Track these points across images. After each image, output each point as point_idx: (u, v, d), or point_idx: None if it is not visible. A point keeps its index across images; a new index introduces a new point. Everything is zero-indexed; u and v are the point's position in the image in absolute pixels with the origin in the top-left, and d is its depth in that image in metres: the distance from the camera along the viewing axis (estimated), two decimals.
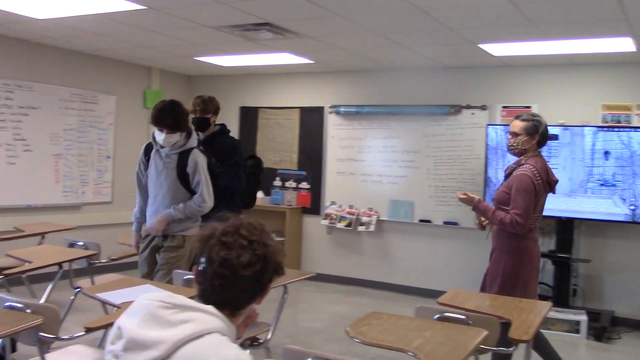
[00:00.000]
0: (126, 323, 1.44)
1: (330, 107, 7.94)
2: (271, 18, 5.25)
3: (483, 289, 4.09)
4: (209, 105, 4.78)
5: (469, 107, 7.09)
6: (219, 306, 1.52)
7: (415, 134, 7.39)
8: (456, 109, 7.14)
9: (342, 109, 7.83)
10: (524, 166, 3.93)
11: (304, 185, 8.13)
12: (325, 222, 7.84)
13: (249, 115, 8.58)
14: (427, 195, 7.32)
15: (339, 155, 7.90)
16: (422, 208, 7.34)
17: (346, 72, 7.86)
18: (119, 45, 6.86)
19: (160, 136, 4.09)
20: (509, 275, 3.92)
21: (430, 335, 2.69)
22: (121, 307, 3.08)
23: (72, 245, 4.93)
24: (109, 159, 7.84)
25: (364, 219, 7.64)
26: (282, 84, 8.37)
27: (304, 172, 8.14)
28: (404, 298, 7.17)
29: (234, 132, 8.61)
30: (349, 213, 7.74)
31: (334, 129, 7.94)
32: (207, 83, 8.94)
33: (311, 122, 8.11)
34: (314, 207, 8.06)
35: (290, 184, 8.22)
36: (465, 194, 4.09)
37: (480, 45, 5.89)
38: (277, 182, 8.31)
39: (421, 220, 7.33)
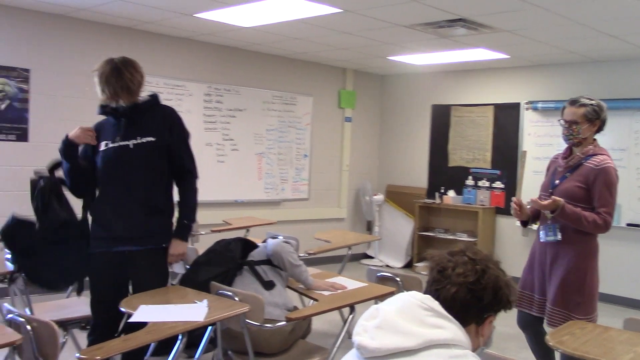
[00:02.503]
0: (384, 307, 1.56)
1: (527, 103, 7.60)
2: (466, 13, 5.16)
3: (558, 297, 3.49)
4: (134, 84, 3.16)
5: None
6: None
7: (623, 131, 6.80)
8: None
9: (539, 105, 7.45)
10: (599, 157, 3.50)
11: (498, 184, 7.87)
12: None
13: (440, 114, 8.49)
14: (636, 196, 6.71)
15: (536, 153, 7.52)
16: (631, 211, 6.74)
17: (544, 65, 7.47)
18: (316, 48, 7.17)
19: None
20: (596, 280, 3.61)
21: None
22: (319, 300, 3.22)
23: (273, 239, 5.23)
24: (306, 158, 8.23)
25: None
26: (476, 81, 8.17)
27: (497, 171, 7.88)
28: (609, 308, 6.64)
29: (426, 131, 8.61)
30: None
31: (531, 126, 7.58)
32: (399, 82, 9.01)
33: (506, 119, 7.82)
34: (509, 207, 7.72)
35: (483, 183, 8.00)
36: (549, 200, 3.42)
37: None
38: (470, 181, 8.14)
39: (629, 225, 6.74)
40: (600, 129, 3.59)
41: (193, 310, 2.67)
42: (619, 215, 6.80)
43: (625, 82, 6.82)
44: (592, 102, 3.55)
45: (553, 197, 3.45)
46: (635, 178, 6.71)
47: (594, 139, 3.61)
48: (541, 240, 3.60)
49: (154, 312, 2.61)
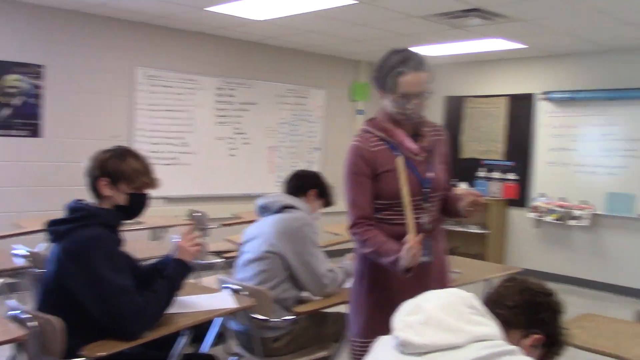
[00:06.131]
0: (425, 303, 1.56)
1: (542, 93, 7.52)
2: (480, 3, 5.11)
3: None
4: None
5: None
6: None
7: (639, 121, 6.71)
8: None
9: (554, 95, 7.37)
10: (430, 123, 2.66)
11: (511, 176, 7.81)
12: (533, 215, 7.47)
13: (454, 105, 8.43)
14: None
15: (550, 144, 7.46)
16: None
17: (560, 55, 7.38)
18: (329, 40, 7.14)
19: None
20: None
21: None
22: None
23: None
24: (318, 151, 8.22)
25: (577, 212, 7.14)
26: (490, 71, 8.10)
27: (510, 163, 7.82)
28: (620, 300, 6.60)
29: (439, 122, 8.53)
30: (560, 206, 7.28)
31: (546, 117, 7.51)
32: None
33: (520, 110, 7.75)
34: (521, 199, 7.71)
35: (496, 174, 7.94)
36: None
37: None
38: (482, 173, 8.08)
39: None
40: None
41: (219, 299, 2.71)
42: (631, 206, 6.72)
43: None
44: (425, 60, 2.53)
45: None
46: None
47: None
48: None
49: (180, 304, 2.59)
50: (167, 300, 2.38)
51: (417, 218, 2.44)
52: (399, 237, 2.38)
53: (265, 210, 3.38)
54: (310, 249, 3.14)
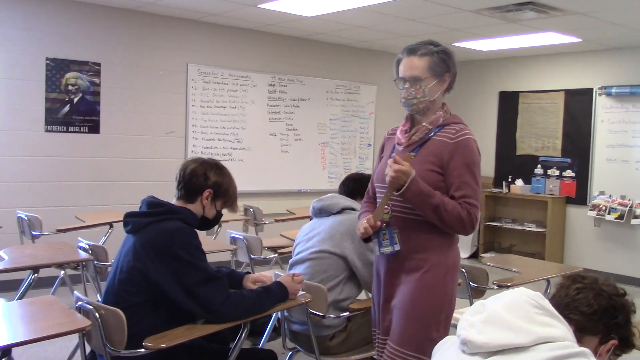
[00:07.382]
0: (491, 303, 1.51)
1: (600, 88, 7.30)
2: None
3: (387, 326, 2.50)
4: None
5: None
6: None
7: None
8: None
9: (614, 90, 7.15)
10: (454, 127, 2.45)
11: (569, 173, 7.61)
12: (593, 213, 7.26)
13: (508, 100, 8.27)
14: None
15: (610, 140, 7.23)
16: None
17: (618, 49, 7.14)
18: (379, 36, 7.09)
19: None
20: (450, 303, 2.44)
21: None
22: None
23: None
24: (370, 147, 8.18)
25: (639, 211, 6.90)
26: (545, 66, 7.91)
27: (568, 160, 7.62)
28: None
29: (493, 119, 8.39)
30: (621, 204, 7.06)
31: (604, 112, 7.28)
32: (465, 68, 8.81)
33: (577, 105, 7.54)
34: (580, 197, 7.50)
35: (553, 171, 7.75)
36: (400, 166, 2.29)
37: None
38: (539, 170, 7.90)
39: None
40: (450, 87, 2.54)
41: None
42: None
43: None
44: (438, 48, 2.47)
45: (397, 164, 2.29)
46: None
47: (443, 103, 2.55)
48: (375, 254, 2.53)
49: None
50: (260, 306, 2.47)
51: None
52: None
53: (323, 212, 3.36)
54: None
